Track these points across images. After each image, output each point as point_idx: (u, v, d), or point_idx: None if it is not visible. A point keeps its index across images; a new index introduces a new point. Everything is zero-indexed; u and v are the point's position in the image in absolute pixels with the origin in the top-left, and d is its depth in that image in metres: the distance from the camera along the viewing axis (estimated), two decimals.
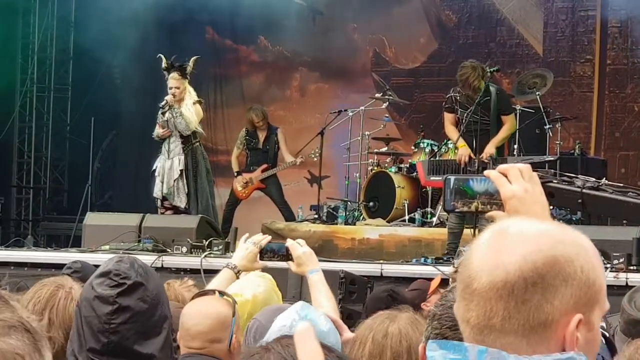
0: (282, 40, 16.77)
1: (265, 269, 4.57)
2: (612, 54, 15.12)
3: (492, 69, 10.92)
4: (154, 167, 11.64)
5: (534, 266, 1.66)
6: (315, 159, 13.28)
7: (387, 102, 13.40)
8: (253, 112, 13.33)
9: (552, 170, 10.66)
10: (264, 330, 3.27)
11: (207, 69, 15.65)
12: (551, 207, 9.99)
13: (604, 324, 2.65)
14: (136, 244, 10.42)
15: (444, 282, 6.43)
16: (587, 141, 14.70)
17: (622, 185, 10.22)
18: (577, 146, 12.87)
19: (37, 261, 10.18)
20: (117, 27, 14.98)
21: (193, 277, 6.00)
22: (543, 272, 1.66)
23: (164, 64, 11.44)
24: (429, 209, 12.18)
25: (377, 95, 13.56)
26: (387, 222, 12.15)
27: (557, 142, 12.22)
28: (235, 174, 13.34)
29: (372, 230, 11.77)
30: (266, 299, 4.40)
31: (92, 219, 11.34)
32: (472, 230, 9.92)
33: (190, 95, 11.49)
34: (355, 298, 7.96)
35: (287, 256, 4.35)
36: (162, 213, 11.54)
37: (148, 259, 8.95)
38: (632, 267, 8.47)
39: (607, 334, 2.57)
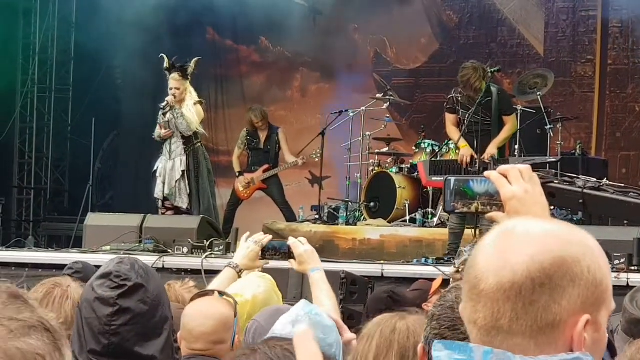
0: (283, 40, 16.76)
1: (265, 269, 4.56)
2: (613, 54, 15.10)
3: (493, 70, 10.91)
4: (155, 168, 11.62)
5: (541, 267, 1.65)
6: (317, 160, 13.26)
7: (388, 103, 13.40)
8: (252, 112, 13.32)
9: (553, 171, 10.65)
10: (263, 331, 3.26)
11: (208, 70, 15.64)
12: (552, 208, 10.01)
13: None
14: (137, 244, 10.41)
15: (446, 283, 6.42)
16: (588, 141, 14.69)
17: (623, 185, 10.22)
18: (578, 146, 12.87)
19: (38, 262, 10.17)
20: (118, 27, 14.98)
21: (194, 278, 5.99)
22: (551, 273, 1.65)
23: (165, 64, 11.43)
24: (429, 210, 12.17)
25: (378, 95, 13.55)
26: (388, 222, 12.14)
27: (558, 142, 12.24)
28: (237, 174, 13.34)
29: (373, 230, 11.77)
30: (266, 299, 4.39)
31: (93, 219, 11.34)
32: (473, 230, 9.93)
33: (191, 95, 11.47)
34: (356, 298, 7.96)
35: (288, 254, 4.33)
36: (163, 213, 11.53)
37: (149, 259, 8.95)
38: (633, 268, 8.46)
39: (607, 334, 2.56)
